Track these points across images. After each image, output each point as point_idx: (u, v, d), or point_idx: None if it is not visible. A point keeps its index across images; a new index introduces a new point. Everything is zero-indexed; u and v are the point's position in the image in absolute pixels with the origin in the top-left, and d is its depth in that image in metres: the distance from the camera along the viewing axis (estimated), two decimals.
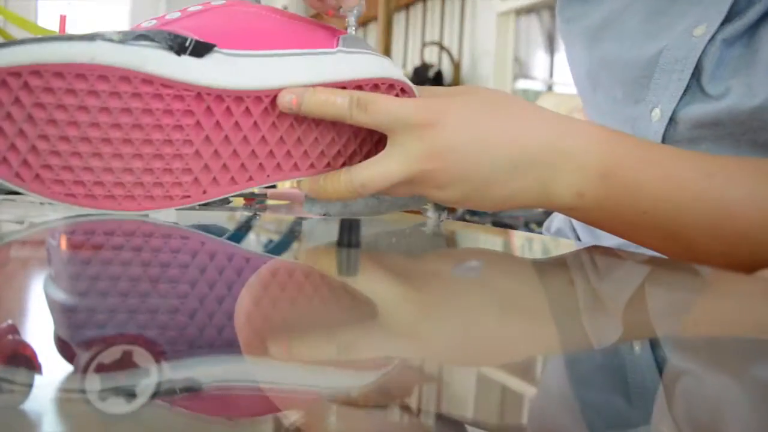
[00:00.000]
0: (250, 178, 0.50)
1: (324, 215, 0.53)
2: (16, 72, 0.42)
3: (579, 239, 0.73)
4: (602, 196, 0.46)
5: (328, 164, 0.52)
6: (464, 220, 2.13)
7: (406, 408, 0.20)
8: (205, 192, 0.49)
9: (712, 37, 0.53)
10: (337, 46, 0.51)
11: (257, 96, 0.48)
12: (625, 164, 0.46)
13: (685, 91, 0.55)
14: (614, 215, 0.47)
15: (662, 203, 0.45)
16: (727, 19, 0.53)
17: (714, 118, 0.52)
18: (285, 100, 0.47)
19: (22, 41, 0.43)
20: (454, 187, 0.47)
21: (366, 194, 0.49)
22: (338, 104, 0.48)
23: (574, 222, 0.73)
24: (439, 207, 0.58)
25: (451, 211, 0.59)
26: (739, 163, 0.46)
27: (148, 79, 0.45)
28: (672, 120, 0.55)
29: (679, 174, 0.46)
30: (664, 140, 0.56)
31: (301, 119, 0.50)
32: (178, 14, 0.49)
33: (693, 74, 0.54)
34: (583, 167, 0.46)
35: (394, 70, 0.52)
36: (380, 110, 0.47)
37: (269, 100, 0.48)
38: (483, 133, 0.46)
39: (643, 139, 0.49)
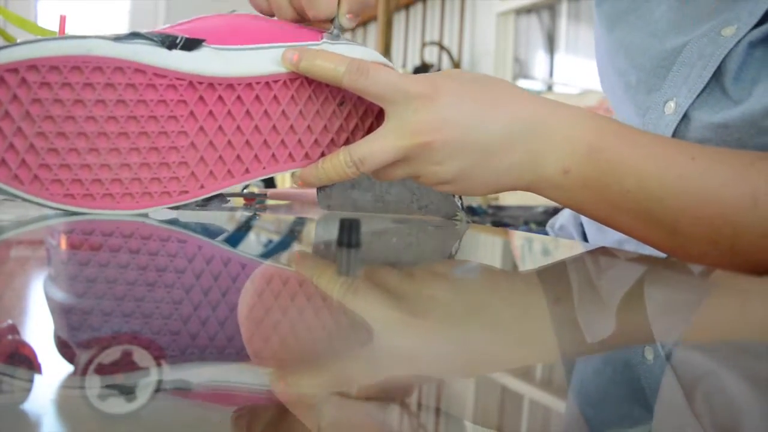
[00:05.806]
0: (247, 171, 0.50)
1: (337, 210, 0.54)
2: (13, 68, 0.43)
3: (585, 235, 0.73)
4: (587, 173, 0.47)
5: (323, 154, 0.53)
6: None
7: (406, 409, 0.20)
8: (202, 186, 0.49)
9: (740, 39, 0.52)
10: (321, 40, 0.52)
11: (248, 83, 0.49)
12: (610, 141, 0.47)
13: (704, 88, 0.54)
14: (599, 195, 0.47)
15: (646, 182, 0.46)
16: (760, 23, 0.51)
17: (727, 120, 0.52)
18: (288, 55, 0.49)
19: (19, 43, 0.43)
20: (451, 161, 0.47)
21: (366, 170, 0.49)
22: (337, 65, 0.49)
23: (582, 217, 0.73)
24: (467, 211, 0.59)
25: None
26: (719, 150, 0.47)
27: (142, 69, 0.45)
28: (686, 116, 0.55)
29: (662, 153, 0.46)
30: (674, 136, 0.55)
31: (292, 107, 0.51)
32: (167, 25, 0.50)
33: (714, 73, 0.53)
34: (570, 139, 0.47)
35: (380, 57, 0.53)
36: (381, 77, 0.48)
37: (260, 87, 0.49)
38: (477, 105, 0.48)
39: (626, 124, 0.50)
